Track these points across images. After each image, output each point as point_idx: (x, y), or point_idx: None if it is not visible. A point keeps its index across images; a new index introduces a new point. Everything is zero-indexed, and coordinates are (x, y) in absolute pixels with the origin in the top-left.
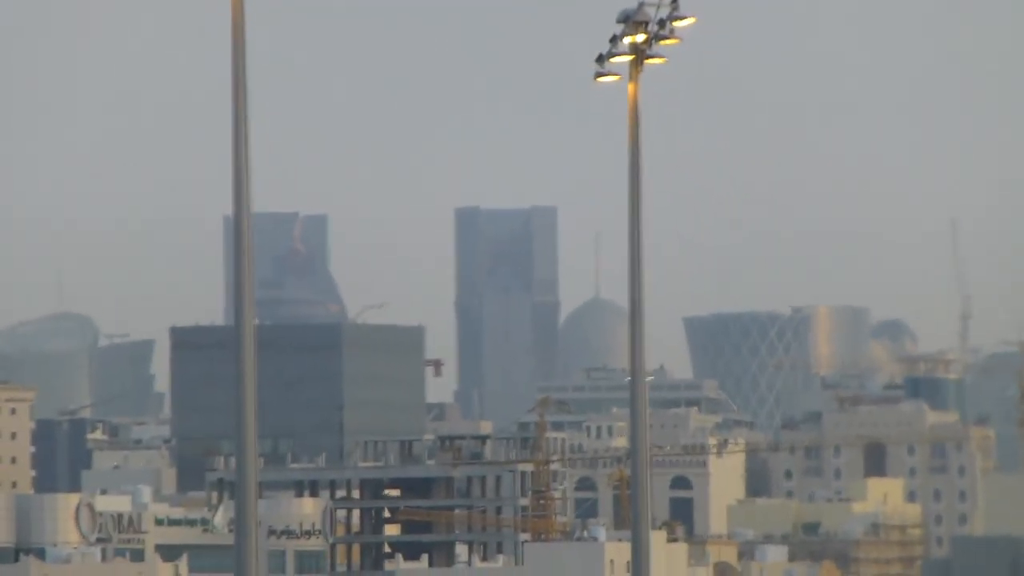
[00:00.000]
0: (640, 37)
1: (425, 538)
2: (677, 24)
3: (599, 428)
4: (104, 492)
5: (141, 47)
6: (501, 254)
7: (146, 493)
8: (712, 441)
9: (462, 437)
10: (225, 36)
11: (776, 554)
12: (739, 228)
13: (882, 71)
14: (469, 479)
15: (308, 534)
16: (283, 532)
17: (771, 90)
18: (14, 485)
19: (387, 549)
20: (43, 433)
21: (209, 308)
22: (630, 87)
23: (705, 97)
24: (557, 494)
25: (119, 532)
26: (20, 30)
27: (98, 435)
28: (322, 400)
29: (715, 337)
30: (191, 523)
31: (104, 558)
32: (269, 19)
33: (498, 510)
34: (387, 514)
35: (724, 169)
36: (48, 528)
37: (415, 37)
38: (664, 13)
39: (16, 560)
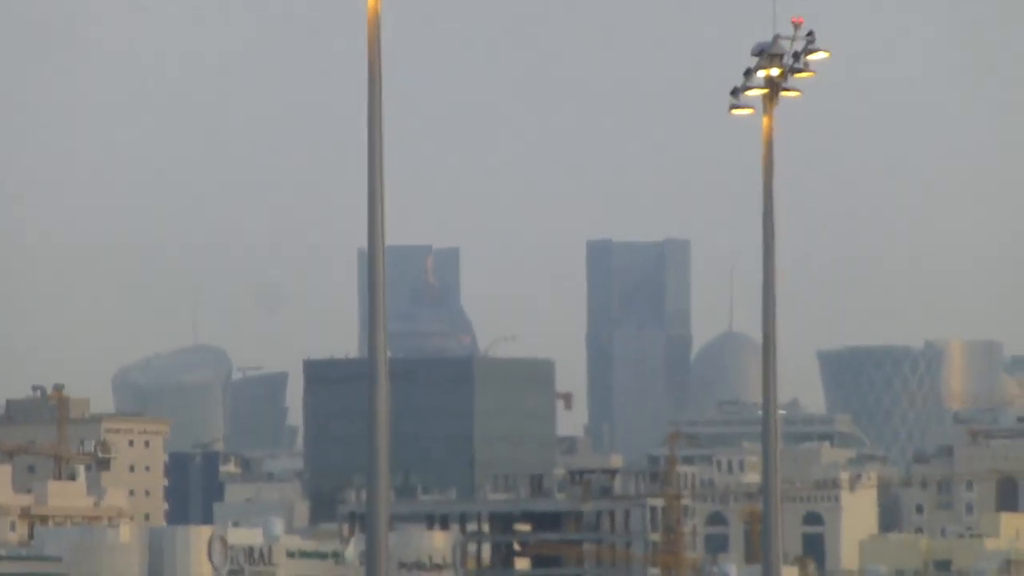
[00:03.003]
0: (775, 71)
1: (554, 572)
2: (811, 58)
3: (730, 462)
4: (236, 524)
5: (275, 86)
6: (633, 287)
7: (278, 525)
8: (844, 476)
9: (592, 471)
10: (361, 72)
11: None
12: (874, 262)
13: (1015, 103)
14: (599, 513)
15: (438, 567)
16: (413, 565)
17: (903, 123)
18: (147, 517)
19: None
20: (176, 465)
21: (343, 341)
22: (764, 120)
23: (839, 129)
24: (687, 529)
25: (251, 565)
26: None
27: (231, 468)
28: (453, 433)
29: (848, 371)
30: (322, 556)
31: None
32: (404, 47)
33: (627, 544)
34: (517, 547)
35: (858, 202)
36: (180, 560)
37: (547, 67)
38: (799, 46)
39: None
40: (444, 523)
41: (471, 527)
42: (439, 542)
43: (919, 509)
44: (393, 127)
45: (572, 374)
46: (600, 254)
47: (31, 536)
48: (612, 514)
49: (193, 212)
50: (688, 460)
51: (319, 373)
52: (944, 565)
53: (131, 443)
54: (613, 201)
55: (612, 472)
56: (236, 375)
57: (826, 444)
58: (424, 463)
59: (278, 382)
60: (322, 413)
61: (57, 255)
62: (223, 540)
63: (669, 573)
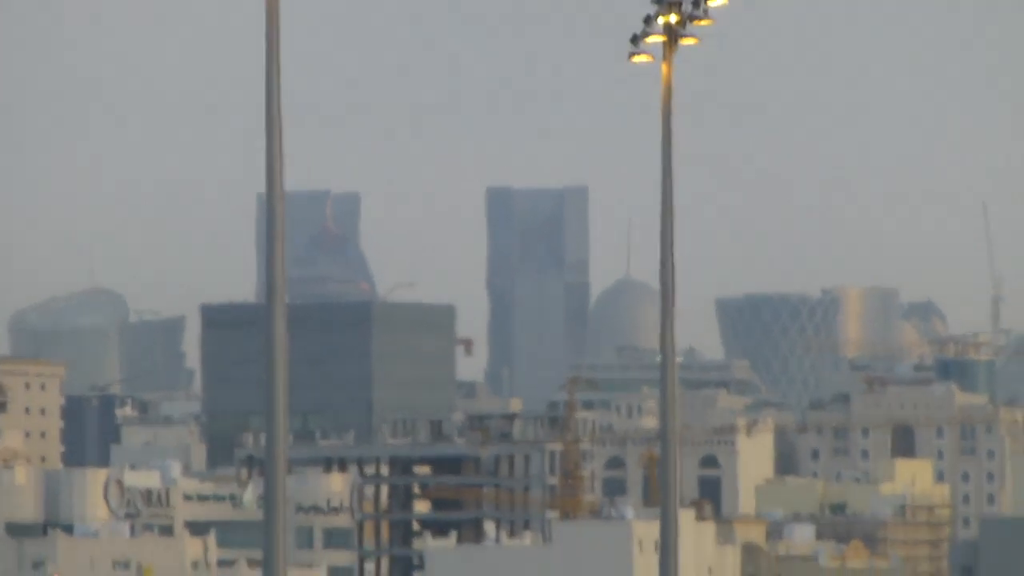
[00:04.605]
0: (673, 18)
1: (453, 516)
2: (711, 4)
3: (629, 408)
4: (133, 468)
5: (169, 30)
6: (533, 234)
7: (175, 469)
8: (741, 421)
9: (491, 416)
10: (258, 16)
11: (803, 533)
12: (770, 209)
13: (913, 55)
14: (498, 457)
15: (336, 511)
16: (311, 508)
17: (802, 71)
18: (43, 460)
19: (415, 526)
20: (73, 409)
21: (240, 286)
22: (663, 67)
23: (737, 77)
24: (586, 473)
25: (148, 507)
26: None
27: (128, 411)
28: (352, 377)
29: (745, 318)
30: (220, 499)
31: (132, 533)
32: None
33: (526, 489)
34: (416, 491)
35: (755, 150)
36: (77, 503)
37: (449, 15)
38: None
39: (44, 535)
40: (342, 467)
41: (369, 471)
42: (337, 486)
43: (815, 455)
44: (292, 72)
45: (472, 320)
46: (500, 200)
47: None
48: (511, 458)
49: (92, 158)
50: (587, 405)
51: (216, 317)
52: (839, 509)
53: (27, 386)
54: (513, 148)
55: (511, 417)
56: (133, 318)
57: (723, 390)
58: (322, 407)
59: (175, 326)
60: (219, 357)
61: None
62: (119, 483)
63: (567, 516)
